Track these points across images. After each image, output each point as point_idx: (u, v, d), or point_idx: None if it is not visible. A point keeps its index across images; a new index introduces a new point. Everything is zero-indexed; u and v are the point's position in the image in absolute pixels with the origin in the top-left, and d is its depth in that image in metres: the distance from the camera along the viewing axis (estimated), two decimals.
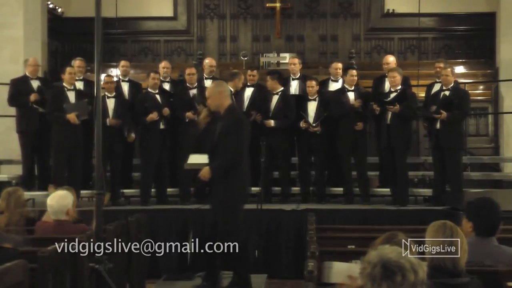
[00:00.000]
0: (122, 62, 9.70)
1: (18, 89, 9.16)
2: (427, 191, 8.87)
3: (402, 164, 8.42)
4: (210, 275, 6.51)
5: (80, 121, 8.40)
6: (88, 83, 9.26)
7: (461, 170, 8.48)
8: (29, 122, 9.06)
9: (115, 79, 9.21)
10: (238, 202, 6.34)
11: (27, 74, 9.26)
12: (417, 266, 2.39)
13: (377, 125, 9.02)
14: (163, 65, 9.73)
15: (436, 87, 8.69)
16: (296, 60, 9.72)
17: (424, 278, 2.40)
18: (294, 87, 9.45)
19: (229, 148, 6.14)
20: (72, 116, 8.34)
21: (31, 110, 9.01)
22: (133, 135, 8.87)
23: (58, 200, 5.35)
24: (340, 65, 9.53)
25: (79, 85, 9.13)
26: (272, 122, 8.79)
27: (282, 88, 8.98)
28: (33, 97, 8.96)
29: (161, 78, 9.27)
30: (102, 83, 8.60)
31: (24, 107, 9.09)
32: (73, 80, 8.69)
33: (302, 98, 9.04)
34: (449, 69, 8.41)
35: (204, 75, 9.52)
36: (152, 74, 8.82)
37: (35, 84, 9.19)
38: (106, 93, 8.66)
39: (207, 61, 9.76)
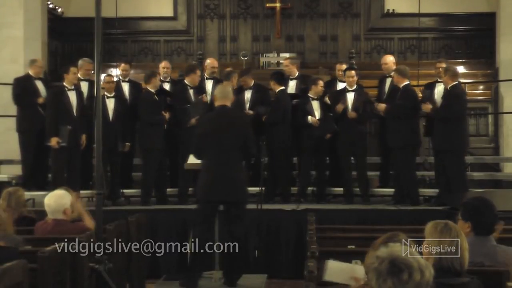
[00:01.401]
0: (122, 65, 9.70)
1: (23, 88, 9.14)
2: (427, 191, 8.87)
3: (403, 164, 8.41)
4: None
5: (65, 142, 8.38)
6: (92, 84, 9.24)
7: (460, 172, 8.40)
8: (32, 122, 9.02)
9: (115, 79, 9.21)
10: (199, 196, 6.69)
11: (30, 73, 9.24)
12: (424, 267, 2.39)
13: (380, 125, 9.08)
14: (163, 65, 9.73)
15: (439, 87, 8.66)
16: (288, 61, 9.70)
17: (430, 280, 2.40)
18: (291, 86, 9.43)
19: None
20: (54, 141, 8.32)
21: (36, 110, 8.99)
22: (127, 144, 8.89)
23: (56, 199, 5.37)
24: (344, 66, 9.52)
25: (84, 85, 9.14)
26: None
27: (281, 88, 9.00)
28: (41, 100, 8.95)
29: (161, 78, 9.27)
30: (102, 82, 8.62)
31: (30, 107, 9.05)
32: (75, 80, 8.69)
33: (303, 98, 9.03)
34: (440, 69, 8.41)
35: (205, 75, 9.50)
36: (158, 75, 8.88)
37: (38, 84, 9.18)
38: (105, 93, 8.65)
39: (208, 61, 9.71)
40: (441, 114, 8.19)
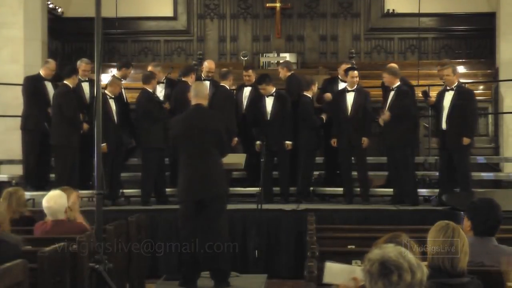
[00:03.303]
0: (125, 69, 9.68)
1: (34, 88, 9.09)
2: (427, 191, 8.88)
3: (401, 163, 8.42)
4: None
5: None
6: (93, 83, 9.23)
7: (468, 171, 8.42)
8: (39, 122, 8.99)
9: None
10: (179, 197, 6.84)
11: (41, 74, 9.18)
12: (416, 267, 2.40)
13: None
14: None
15: (448, 96, 8.40)
16: (279, 67, 9.64)
17: (423, 279, 2.40)
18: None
19: None
20: (85, 126, 8.54)
21: (43, 110, 8.96)
22: (133, 141, 8.96)
23: (56, 200, 5.36)
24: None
25: (85, 86, 9.14)
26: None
27: (275, 89, 9.02)
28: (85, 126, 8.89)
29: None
30: (112, 83, 8.73)
31: (38, 106, 9.00)
32: (76, 82, 8.80)
33: (304, 98, 9.04)
34: (450, 69, 8.37)
35: (202, 75, 9.52)
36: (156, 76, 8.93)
37: (48, 85, 9.15)
38: (107, 93, 8.63)
39: (206, 64, 9.76)
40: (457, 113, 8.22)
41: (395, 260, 2.39)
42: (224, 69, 9.87)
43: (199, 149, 6.53)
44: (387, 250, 2.44)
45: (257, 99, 9.15)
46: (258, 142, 8.72)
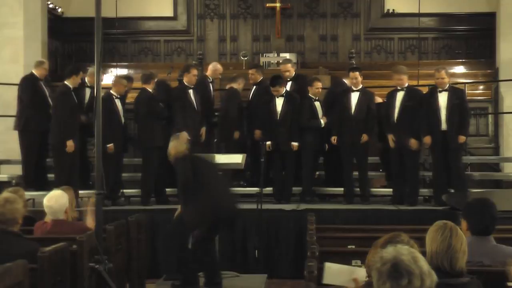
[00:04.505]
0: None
1: (32, 89, 9.09)
2: (427, 191, 8.87)
3: (411, 163, 8.45)
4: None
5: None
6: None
7: (464, 170, 8.52)
8: (39, 123, 8.98)
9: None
10: (205, 221, 6.37)
11: (36, 74, 9.14)
12: (426, 275, 2.39)
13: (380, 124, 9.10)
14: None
15: (443, 96, 8.38)
16: (289, 66, 9.57)
17: (431, 287, 2.40)
18: (288, 87, 9.43)
19: None
20: (70, 144, 8.40)
21: (43, 111, 8.95)
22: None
23: (57, 200, 5.36)
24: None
25: (87, 90, 9.13)
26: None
27: (287, 90, 9.02)
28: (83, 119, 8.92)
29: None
30: (115, 83, 8.79)
31: (37, 107, 9.00)
32: (76, 83, 8.78)
33: (306, 99, 9.03)
34: (443, 71, 8.38)
35: (209, 77, 9.50)
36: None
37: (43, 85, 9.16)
38: (113, 93, 8.65)
39: (214, 65, 9.67)
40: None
41: (407, 265, 2.39)
42: (234, 74, 9.93)
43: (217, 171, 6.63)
44: (401, 251, 2.43)
45: (263, 98, 9.14)
46: (268, 143, 8.72)
